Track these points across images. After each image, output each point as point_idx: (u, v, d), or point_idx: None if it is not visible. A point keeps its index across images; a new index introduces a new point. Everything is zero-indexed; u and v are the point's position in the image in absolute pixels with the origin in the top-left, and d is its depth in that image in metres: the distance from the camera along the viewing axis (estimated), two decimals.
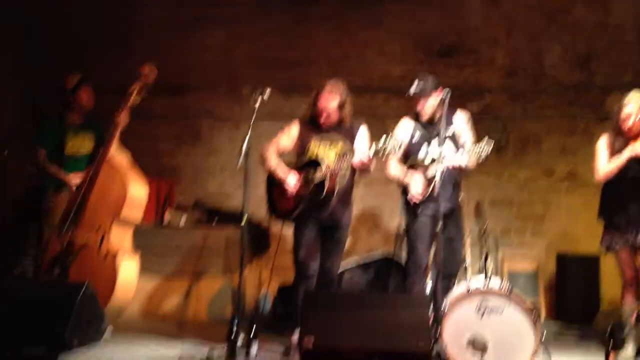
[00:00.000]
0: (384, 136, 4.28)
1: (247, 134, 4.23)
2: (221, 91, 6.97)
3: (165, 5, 6.87)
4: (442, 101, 4.40)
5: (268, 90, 4.35)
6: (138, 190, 4.72)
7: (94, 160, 4.77)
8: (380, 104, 6.68)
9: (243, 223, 4.22)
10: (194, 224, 6.07)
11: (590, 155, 4.84)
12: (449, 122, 4.62)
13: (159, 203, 6.21)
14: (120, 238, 4.63)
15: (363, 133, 4.68)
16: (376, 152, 4.28)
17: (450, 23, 6.55)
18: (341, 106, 4.54)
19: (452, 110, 4.57)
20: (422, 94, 4.60)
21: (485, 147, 4.38)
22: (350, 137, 4.60)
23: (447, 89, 4.34)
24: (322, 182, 4.41)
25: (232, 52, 6.91)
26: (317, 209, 4.51)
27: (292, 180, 4.50)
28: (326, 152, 4.54)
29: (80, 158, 4.97)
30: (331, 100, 4.50)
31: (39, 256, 4.68)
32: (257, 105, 4.34)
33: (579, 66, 6.44)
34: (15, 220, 6.09)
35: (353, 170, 4.61)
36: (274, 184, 4.66)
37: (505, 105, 6.56)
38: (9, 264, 5.69)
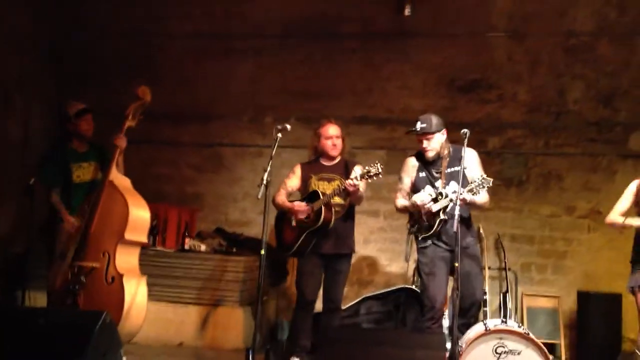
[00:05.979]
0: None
1: (268, 164, 4.29)
2: (245, 120, 7.10)
3: (194, 36, 7.10)
4: (447, 141, 4.52)
5: (289, 125, 4.44)
6: (140, 211, 4.69)
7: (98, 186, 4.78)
8: (401, 137, 6.68)
9: (263, 251, 4.22)
10: (214, 250, 6.11)
11: (613, 193, 4.80)
12: (457, 162, 4.43)
13: (180, 230, 6.28)
14: (126, 261, 4.57)
15: (356, 169, 4.92)
16: (362, 176, 4.54)
17: (474, 58, 6.60)
18: (342, 137, 5.03)
19: (459, 149, 4.32)
20: (425, 133, 4.56)
21: (484, 183, 4.19)
22: (347, 175, 4.85)
23: (465, 130, 4.16)
24: (319, 211, 4.72)
25: (257, 83, 7.05)
26: (316, 239, 4.80)
27: (301, 205, 4.84)
28: (324, 188, 4.89)
29: (87, 185, 4.98)
30: (336, 129, 5.00)
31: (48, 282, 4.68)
32: (278, 137, 4.42)
33: (602, 103, 6.43)
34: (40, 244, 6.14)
35: (350, 203, 4.91)
36: (282, 220, 5.01)
37: (527, 141, 6.56)
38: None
